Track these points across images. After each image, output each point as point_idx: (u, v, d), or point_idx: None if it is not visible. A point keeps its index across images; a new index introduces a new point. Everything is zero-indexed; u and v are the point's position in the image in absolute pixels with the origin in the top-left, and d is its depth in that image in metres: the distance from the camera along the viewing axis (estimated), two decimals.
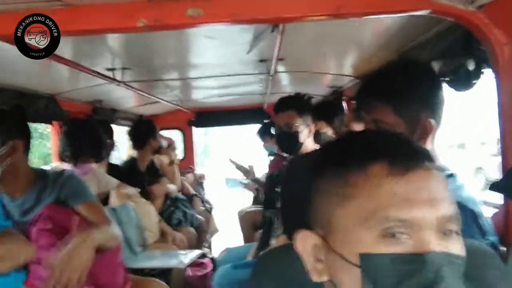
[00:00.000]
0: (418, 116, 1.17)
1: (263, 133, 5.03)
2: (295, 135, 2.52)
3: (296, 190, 1.04)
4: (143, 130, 3.80)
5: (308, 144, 2.57)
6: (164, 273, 2.89)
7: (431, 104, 1.19)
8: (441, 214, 0.63)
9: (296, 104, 2.57)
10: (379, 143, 0.69)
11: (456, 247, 0.64)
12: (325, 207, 0.70)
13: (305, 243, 0.72)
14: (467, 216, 1.07)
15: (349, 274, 0.65)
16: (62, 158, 2.74)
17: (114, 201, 2.92)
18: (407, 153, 0.66)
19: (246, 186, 4.32)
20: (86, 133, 2.76)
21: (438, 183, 0.65)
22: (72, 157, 2.72)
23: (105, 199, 2.86)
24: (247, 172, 3.81)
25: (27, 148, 1.83)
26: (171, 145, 5.16)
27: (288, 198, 1.06)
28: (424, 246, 0.61)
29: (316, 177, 0.73)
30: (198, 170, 5.68)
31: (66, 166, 2.72)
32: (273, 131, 3.84)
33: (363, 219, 0.63)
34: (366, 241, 0.63)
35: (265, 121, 5.25)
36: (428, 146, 1.15)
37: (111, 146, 3.36)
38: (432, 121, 1.17)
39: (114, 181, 2.97)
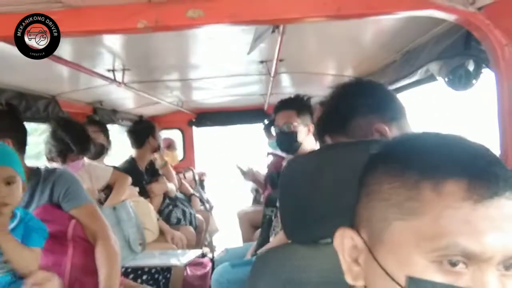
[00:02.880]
0: (370, 127, 1.22)
1: (269, 130, 5.03)
2: (293, 135, 2.57)
3: (295, 189, 1.05)
4: (142, 129, 3.80)
5: (307, 143, 2.61)
6: (163, 273, 2.90)
7: (380, 111, 1.24)
8: (511, 251, 0.56)
9: (295, 104, 2.63)
10: (461, 156, 0.59)
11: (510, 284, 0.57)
12: (380, 214, 0.62)
13: (344, 241, 0.67)
14: None
15: None
16: (50, 159, 2.69)
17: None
18: (491, 175, 0.57)
19: (244, 175, 4.20)
20: (70, 130, 2.69)
21: None
22: (59, 155, 2.66)
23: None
24: (246, 173, 3.83)
25: (21, 146, 1.83)
26: (171, 145, 5.17)
27: (287, 197, 1.06)
28: (482, 283, 0.55)
29: (374, 177, 0.65)
30: (198, 169, 5.68)
31: (56, 166, 2.68)
32: (273, 131, 3.84)
33: (423, 239, 0.56)
34: (419, 264, 0.56)
35: (266, 120, 5.25)
36: None
37: (107, 145, 3.35)
38: (381, 125, 1.21)
39: (107, 172, 2.97)
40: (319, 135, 1.39)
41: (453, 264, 0.55)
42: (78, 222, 1.83)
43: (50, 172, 1.88)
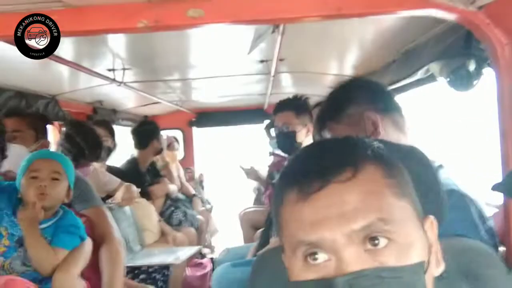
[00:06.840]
0: (362, 114, 1.30)
1: (269, 130, 5.01)
2: (292, 135, 2.59)
3: None
4: (147, 131, 3.81)
5: (307, 144, 2.61)
6: (161, 271, 2.89)
7: (372, 102, 1.33)
8: (357, 227, 0.59)
9: (293, 105, 2.66)
10: (293, 168, 0.69)
11: (387, 257, 0.59)
12: (278, 233, 0.71)
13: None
14: (462, 200, 1.12)
15: None
16: None
17: (118, 196, 2.93)
18: (313, 174, 0.63)
19: (247, 174, 4.17)
20: (86, 136, 2.73)
21: (354, 194, 0.61)
22: (74, 160, 2.67)
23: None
24: (248, 172, 3.83)
25: None
26: (171, 144, 5.15)
27: None
28: (343, 266, 0.59)
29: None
30: (198, 170, 5.67)
31: None
32: (272, 132, 3.84)
33: (290, 247, 0.65)
34: (296, 268, 0.64)
35: (266, 120, 5.25)
36: (402, 140, 1.26)
37: (113, 146, 3.35)
38: (372, 113, 1.29)
39: (114, 181, 2.96)
40: (318, 127, 1.46)
41: (315, 259, 0.61)
42: (87, 221, 1.89)
43: None
